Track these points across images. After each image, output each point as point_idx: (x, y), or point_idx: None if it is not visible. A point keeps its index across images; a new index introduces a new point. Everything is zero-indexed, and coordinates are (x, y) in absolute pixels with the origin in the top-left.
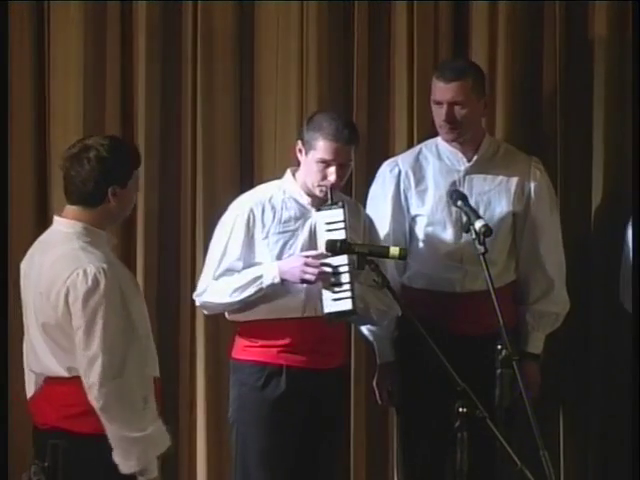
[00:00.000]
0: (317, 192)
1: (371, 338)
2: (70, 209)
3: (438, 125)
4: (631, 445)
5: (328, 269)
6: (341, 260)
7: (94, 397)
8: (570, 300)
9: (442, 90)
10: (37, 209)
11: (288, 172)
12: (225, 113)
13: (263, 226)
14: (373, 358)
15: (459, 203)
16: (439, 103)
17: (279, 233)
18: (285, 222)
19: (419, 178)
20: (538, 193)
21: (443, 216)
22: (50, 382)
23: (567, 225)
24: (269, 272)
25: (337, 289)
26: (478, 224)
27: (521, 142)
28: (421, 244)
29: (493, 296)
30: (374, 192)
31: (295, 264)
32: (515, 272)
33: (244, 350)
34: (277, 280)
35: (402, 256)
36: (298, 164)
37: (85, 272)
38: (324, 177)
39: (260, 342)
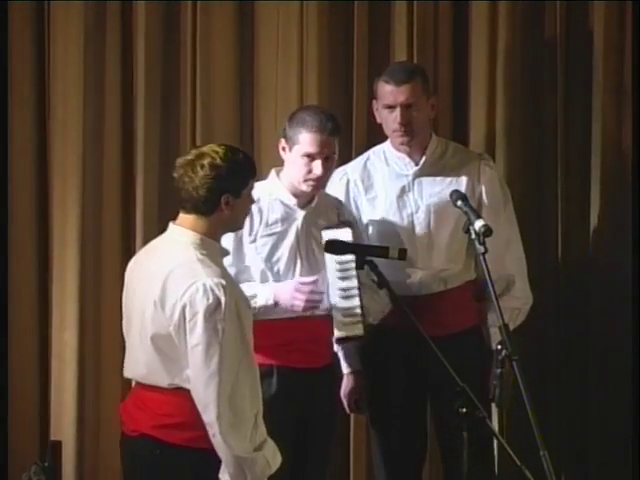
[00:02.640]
0: (304, 187)
1: (336, 347)
2: (185, 218)
3: (391, 130)
4: (631, 445)
5: (318, 297)
6: (350, 282)
7: (211, 418)
8: (571, 300)
9: (394, 93)
10: (37, 209)
11: (273, 173)
12: (225, 113)
13: (251, 229)
14: None
15: (459, 203)
16: (390, 107)
17: (266, 236)
18: (272, 224)
19: (368, 186)
20: (489, 191)
21: (394, 222)
22: (148, 389)
23: (567, 226)
24: (264, 293)
25: (347, 311)
26: (478, 224)
27: (521, 142)
28: None
29: (493, 295)
30: None
31: (288, 289)
32: (475, 270)
33: None
34: (270, 302)
35: (401, 256)
36: (282, 164)
37: (205, 287)
38: (310, 171)
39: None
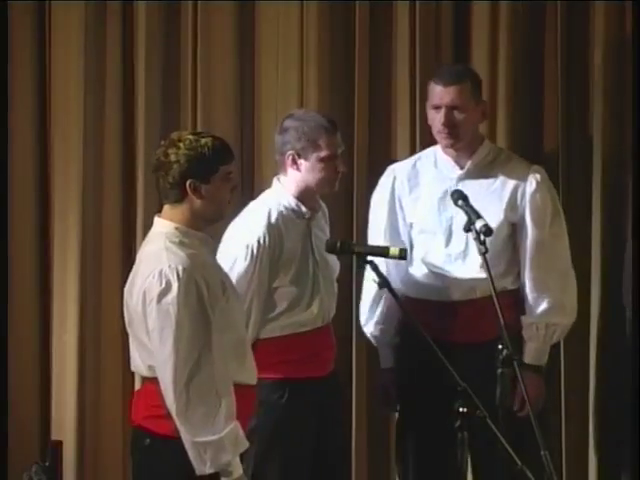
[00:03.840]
0: (327, 189)
1: (374, 343)
2: (164, 209)
3: (437, 130)
4: (631, 445)
5: None
6: None
7: (168, 401)
8: None
9: (441, 93)
10: (37, 210)
11: (277, 183)
12: (225, 113)
13: (279, 248)
14: (373, 360)
15: (460, 203)
16: (437, 107)
17: (291, 254)
18: (294, 239)
19: (413, 185)
20: (534, 202)
21: (433, 224)
22: (144, 381)
23: (567, 226)
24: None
25: None
26: (479, 224)
27: (522, 142)
28: (414, 252)
29: (494, 296)
30: (373, 199)
31: None
32: (515, 283)
33: (258, 368)
34: None
35: (402, 255)
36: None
37: (160, 273)
38: (332, 172)
39: (276, 358)
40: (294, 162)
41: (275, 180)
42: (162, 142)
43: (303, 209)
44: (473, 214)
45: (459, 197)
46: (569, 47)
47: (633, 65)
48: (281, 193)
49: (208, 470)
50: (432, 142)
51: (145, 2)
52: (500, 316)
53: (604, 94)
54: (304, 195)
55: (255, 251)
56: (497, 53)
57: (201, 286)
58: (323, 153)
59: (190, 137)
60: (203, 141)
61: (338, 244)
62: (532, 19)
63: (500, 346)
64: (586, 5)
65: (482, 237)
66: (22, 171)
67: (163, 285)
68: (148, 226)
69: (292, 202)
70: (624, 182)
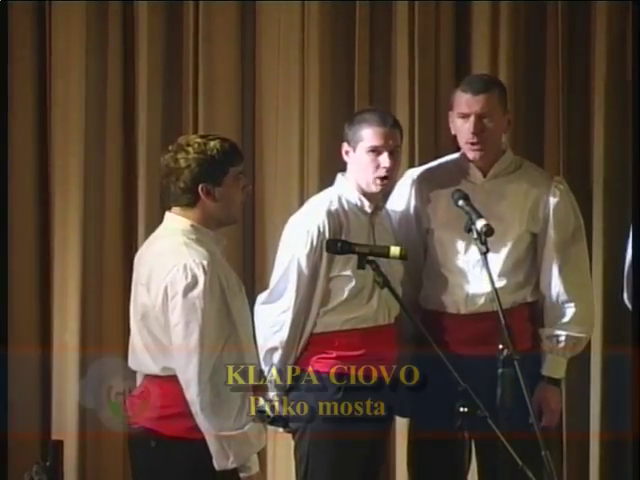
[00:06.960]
0: (373, 188)
1: None
2: (175, 209)
3: (464, 141)
4: (632, 445)
5: None
6: None
7: (192, 395)
8: None
9: (470, 102)
10: (38, 209)
11: (341, 178)
12: (227, 112)
13: (339, 237)
14: None
15: (460, 203)
16: (465, 116)
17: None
18: (356, 232)
19: (432, 191)
20: (556, 213)
21: (452, 230)
22: (148, 380)
23: None
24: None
25: None
26: (479, 223)
27: (523, 143)
28: (432, 259)
29: (495, 295)
30: (390, 201)
31: None
32: (534, 294)
33: (317, 362)
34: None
35: (402, 256)
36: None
37: (185, 267)
38: (377, 166)
39: (335, 353)
40: (346, 153)
41: (339, 175)
42: (170, 147)
43: (366, 203)
44: (474, 213)
45: (460, 197)
46: (570, 47)
47: (634, 64)
48: (344, 186)
49: (230, 465)
50: (430, 140)
51: (146, 2)
52: (501, 316)
53: (605, 94)
54: (360, 189)
55: (315, 238)
56: (497, 53)
57: (223, 282)
58: (367, 144)
59: (198, 140)
60: (212, 144)
61: (339, 244)
62: (533, 19)
63: (500, 346)
64: (587, 5)
65: (483, 237)
66: (22, 171)
67: (189, 279)
68: (149, 225)
69: (355, 195)
70: (625, 182)
